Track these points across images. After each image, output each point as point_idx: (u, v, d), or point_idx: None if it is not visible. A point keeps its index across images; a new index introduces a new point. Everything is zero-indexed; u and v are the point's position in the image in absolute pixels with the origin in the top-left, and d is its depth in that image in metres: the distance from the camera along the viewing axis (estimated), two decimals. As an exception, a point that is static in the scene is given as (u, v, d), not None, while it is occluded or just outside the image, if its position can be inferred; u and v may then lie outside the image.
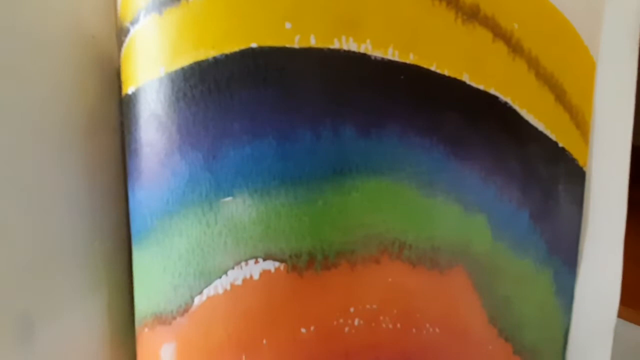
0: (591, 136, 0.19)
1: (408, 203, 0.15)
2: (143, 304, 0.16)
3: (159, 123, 0.14)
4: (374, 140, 0.14)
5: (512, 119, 0.17)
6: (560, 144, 0.18)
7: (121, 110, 0.16)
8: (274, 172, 0.14)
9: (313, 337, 0.14)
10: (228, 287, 0.14)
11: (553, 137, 0.18)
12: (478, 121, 0.16)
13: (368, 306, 0.15)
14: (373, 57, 0.14)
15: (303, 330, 0.14)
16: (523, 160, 0.17)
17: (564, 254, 0.19)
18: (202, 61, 0.13)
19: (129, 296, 0.17)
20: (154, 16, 0.14)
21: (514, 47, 0.17)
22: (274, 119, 0.13)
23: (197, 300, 0.14)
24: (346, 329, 0.15)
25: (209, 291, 0.14)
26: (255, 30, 0.14)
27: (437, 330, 0.16)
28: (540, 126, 0.17)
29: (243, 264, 0.14)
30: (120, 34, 0.15)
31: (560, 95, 0.18)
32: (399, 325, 0.16)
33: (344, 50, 0.14)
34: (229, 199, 0.14)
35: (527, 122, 0.17)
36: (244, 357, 0.14)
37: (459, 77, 0.16)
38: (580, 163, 0.19)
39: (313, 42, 0.14)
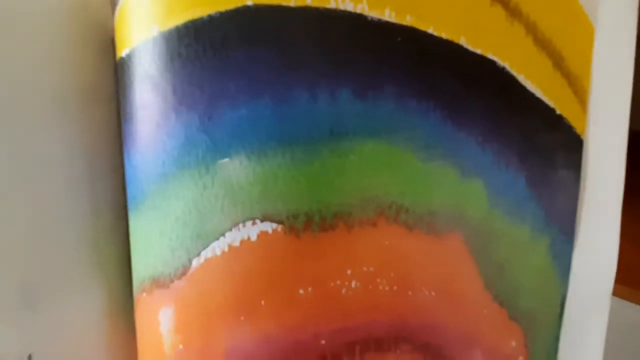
0: (589, 104, 0.19)
1: (405, 167, 0.15)
2: (141, 269, 0.16)
3: (153, 84, 0.14)
4: (370, 103, 0.14)
5: (510, 84, 0.17)
6: (558, 111, 0.18)
7: (116, 77, 0.16)
8: (270, 134, 0.14)
9: (311, 299, 0.15)
10: (226, 249, 0.14)
11: (551, 103, 0.18)
12: (475, 86, 0.16)
13: (365, 268, 0.15)
14: (369, 18, 0.14)
15: (301, 291, 0.14)
16: (520, 126, 0.17)
17: (562, 223, 0.19)
18: (197, 19, 0.13)
19: (128, 266, 0.17)
20: None
21: (512, 11, 0.16)
22: (270, 79, 0.13)
23: (195, 262, 0.14)
24: (343, 290, 0.15)
25: (206, 253, 0.14)
26: None
27: (433, 294, 0.17)
28: (538, 92, 0.17)
29: (240, 225, 0.14)
30: None
31: (558, 62, 0.18)
32: (395, 288, 0.16)
33: (340, 10, 0.14)
34: (225, 160, 0.14)
35: (524, 88, 0.17)
36: (242, 318, 0.14)
37: (456, 41, 0.15)
38: (578, 131, 0.19)
39: (309, 0, 0.13)
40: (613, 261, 0.20)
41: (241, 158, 0.14)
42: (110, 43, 0.16)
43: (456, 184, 0.16)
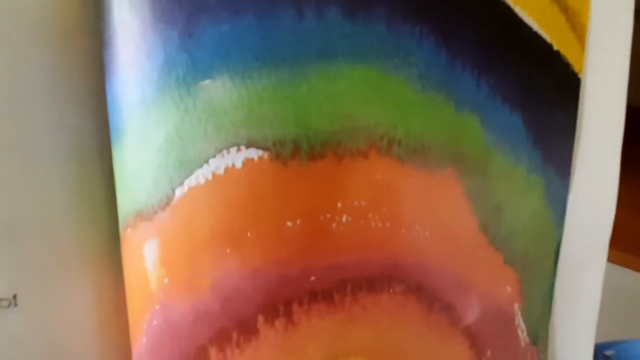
0: (587, 41, 0.18)
1: (397, 96, 0.15)
2: (125, 205, 0.15)
3: (130, 3, 0.13)
4: (360, 25, 0.14)
5: (506, 15, 0.16)
6: (555, 47, 0.17)
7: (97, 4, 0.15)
8: (255, 53, 0.13)
9: (299, 232, 0.14)
10: (209, 177, 0.13)
11: (547, 38, 0.17)
12: (470, 14, 0.15)
13: (356, 202, 0.15)
14: None
15: (289, 223, 0.14)
16: (516, 61, 0.17)
17: (557, 165, 0.19)
18: None
19: (115, 207, 0.16)
20: None
21: (509, -63, 0.16)
22: None
23: (178, 191, 0.14)
24: (334, 225, 0.14)
25: (190, 182, 0.14)
26: None
27: (427, 233, 0.16)
28: (535, 26, 0.17)
29: (225, 151, 0.13)
30: None
31: (556, -6, 0.17)
32: (388, 225, 0.15)
33: None
34: (207, 81, 0.13)
35: (520, 20, 0.16)
36: (228, 250, 0.14)
37: None
38: (576, 69, 0.18)
39: None
40: (611, 205, 0.19)
41: (224, 79, 0.13)
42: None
43: (451, 118, 0.16)
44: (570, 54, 0.18)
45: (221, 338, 0.14)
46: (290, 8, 0.13)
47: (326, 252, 0.15)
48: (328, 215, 0.14)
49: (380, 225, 0.15)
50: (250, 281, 0.14)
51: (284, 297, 0.14)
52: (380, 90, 0.14)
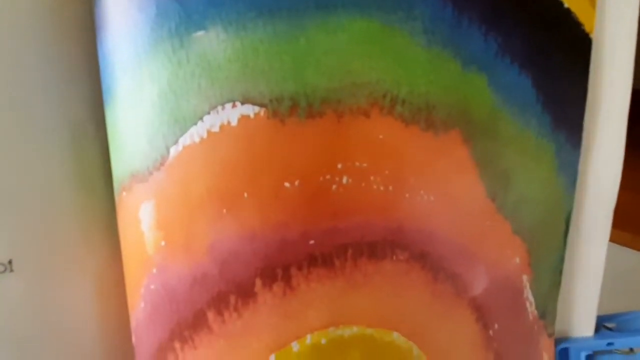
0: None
1: (400, 51, 0.14)
2: (120, 168, 0.15)
3: (121, -48, 0.12)
4: None
5: None
6: (566, 5, 0.17)
7: None
8: (249, 2, 0.12)
9: (297, 193, 0.14)
10: (204, 135, 0.13)
11: None
12: None
13: (357, 163, 0.14)
14: None
15: (287, 184, 0.13)
16: (525, 19, 0.16)
17: (568, 130, 0.18)
18: None
19: (108, 171, 0.16)
20: None
21: None
22: None
23: (173, 150, 0.13)
24: (334, 186, 0.14)
25: (184, 140, 0.13)
26: None
27: (431, 198, 0.15)
28: None
29: (219, 108, 0.13)
30: None
31: (566, -52, 0.16)
32: (391, 188, 0.15)
33: None
34: (200, 33, 0.12)
35: None
36: (224, 211, 0.13)
37: None
38: (587, 29, 0.17)
39: None
40: (617, 174, 0.19)
41: (218, 30, 0.12)
42: None
43: (457, 76, 0.15)
44: (581, 12, 0.17)
45: (219, 302, 0.14)
46: None
47: (326, 215, 0.14)
48: (327, 177, 0.14)
49: (382, 188, 0.15)
50: (247, 244, 0.14)
51: (282, 261, 0.14)
52: (383, 44, 0.14)
